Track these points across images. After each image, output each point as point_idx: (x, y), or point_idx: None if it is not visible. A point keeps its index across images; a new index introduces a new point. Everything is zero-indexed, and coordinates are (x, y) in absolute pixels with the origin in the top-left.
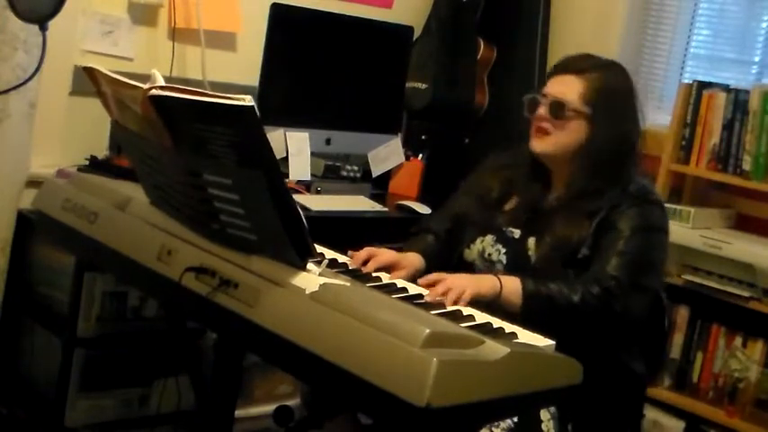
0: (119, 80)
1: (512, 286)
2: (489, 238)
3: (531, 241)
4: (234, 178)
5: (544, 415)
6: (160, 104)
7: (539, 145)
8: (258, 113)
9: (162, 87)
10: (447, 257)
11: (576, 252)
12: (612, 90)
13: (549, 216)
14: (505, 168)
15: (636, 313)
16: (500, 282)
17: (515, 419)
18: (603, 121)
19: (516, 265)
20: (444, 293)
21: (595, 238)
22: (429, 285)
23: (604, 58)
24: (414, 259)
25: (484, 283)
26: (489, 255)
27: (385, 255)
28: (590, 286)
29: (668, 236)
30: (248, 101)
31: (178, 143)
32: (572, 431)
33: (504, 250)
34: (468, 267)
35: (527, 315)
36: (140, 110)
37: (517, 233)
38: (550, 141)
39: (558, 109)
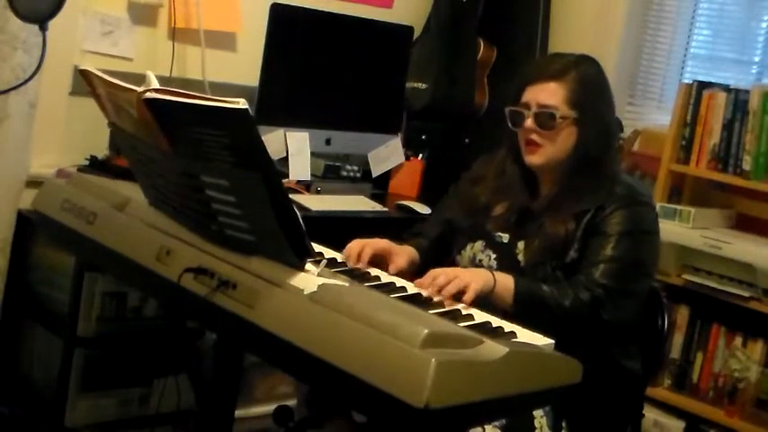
0: (114, 83)
1: (505, 283)
2: (479, 243)
3: (521, 245)
4: (230, 180)
5: (537, 411)
6: (155, 107)
7: (533, 159)
8: (252, 116)
9: (157, 90)
10: (438, 262)
11: (564, 252)
12: (592, 86)
13: (537, 218)
14: (490, 177)
15: (624, 318)
16: (494, 278)
17: None
18: (590, 119)
19: (507, 269)
20: (445, 285)
21: (583, 242)
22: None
23: (574, 55)
24: (407, 248)
25: (478, 277)
26: (480, 260)
27: (378, 241)
28: (580, 292)
29: (658, 236)
30: (242, 104)
31: (174, 145)
32: (567, 428)
33: (494, 255)
34: None
35: (517, 313)
36: (136, 112)
37: (506, 237)
38: (543, 153)
39: (547, 119)
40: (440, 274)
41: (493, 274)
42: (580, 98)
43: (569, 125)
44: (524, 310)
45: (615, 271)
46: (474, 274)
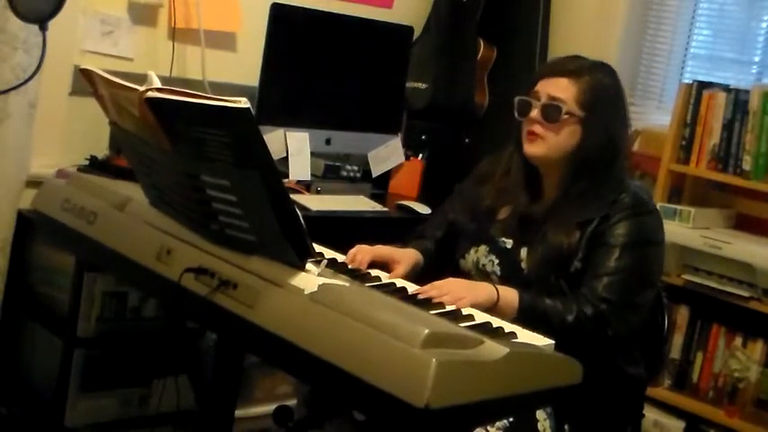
0: (115, 82)
1: (508, 298)
2: (483, 248)
3: (524, 251)
4: (231, 179)
5: (540, 414)
6: (157, 107)
7: (531, 149)
8: (254, 115)
9: (158, 89)
10: (442, 265)
11: (567, 262)
12: (605, 93)
13: (540, 225)
14: (496, 178)
15: (629, 332)
16: (497, 292)
17: (511, 419)
18: (595, 124)
19: (510, 275)
20: (439, 297)
21: (587, 252)
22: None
23: (593, 60)
24: (409, 252)
25: (480, 293)
26: (484, 265)
27: (379, 248)
28: (584, 306)
29: (664, 244)
30: (243, 102)
31: (175, 145)
32: (569, 430)
33: (497, 261)
34: (465, 277)
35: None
36: (137, 112)
37: (509, 243)
38: (543, 145)
39: (553, 112)
40: (437, 287)
41: (497, 290)
42: (590, 101)
43: (574, 123)
44: (527, 325)
45: (619, 284)
46: (478, 289)
